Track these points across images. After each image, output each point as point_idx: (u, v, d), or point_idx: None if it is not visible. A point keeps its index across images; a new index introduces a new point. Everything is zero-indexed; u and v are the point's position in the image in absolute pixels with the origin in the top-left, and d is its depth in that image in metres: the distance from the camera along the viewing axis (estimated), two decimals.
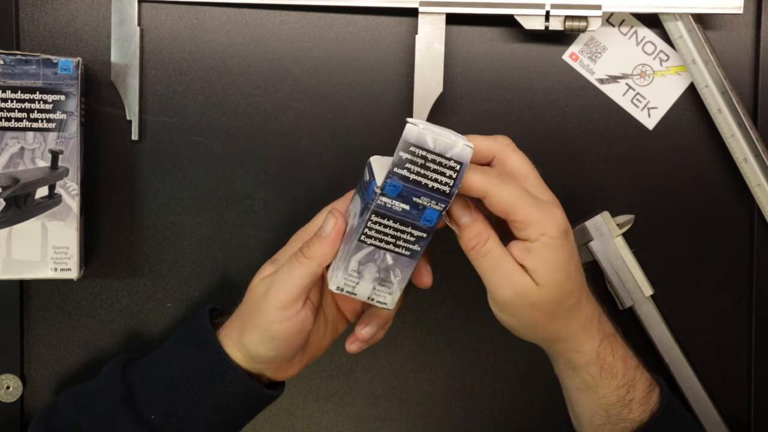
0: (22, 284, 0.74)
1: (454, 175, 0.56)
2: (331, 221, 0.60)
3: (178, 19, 0.73)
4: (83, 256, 0.71)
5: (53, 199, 0.68)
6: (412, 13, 0.71)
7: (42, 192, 0.68)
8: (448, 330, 0.77)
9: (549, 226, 0.58)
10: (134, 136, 0.73)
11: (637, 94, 0.75)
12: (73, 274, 0.69)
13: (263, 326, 0.61)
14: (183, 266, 0.75)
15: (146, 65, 0.73)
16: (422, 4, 0.71)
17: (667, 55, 0.74)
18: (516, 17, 0.71)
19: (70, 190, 0.69)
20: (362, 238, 0.58)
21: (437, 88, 0.71)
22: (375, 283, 0.59)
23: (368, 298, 0.60)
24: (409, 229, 0.58)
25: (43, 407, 0.69)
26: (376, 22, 0.74)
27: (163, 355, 0.66)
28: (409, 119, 0.56)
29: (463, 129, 0.73)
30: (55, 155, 0.68)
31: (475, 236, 0.58)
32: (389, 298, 0.60)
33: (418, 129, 0.55)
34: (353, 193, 0.62)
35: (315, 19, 0.74)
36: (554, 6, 0.70)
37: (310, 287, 0.61)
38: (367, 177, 0.59)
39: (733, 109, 0.72)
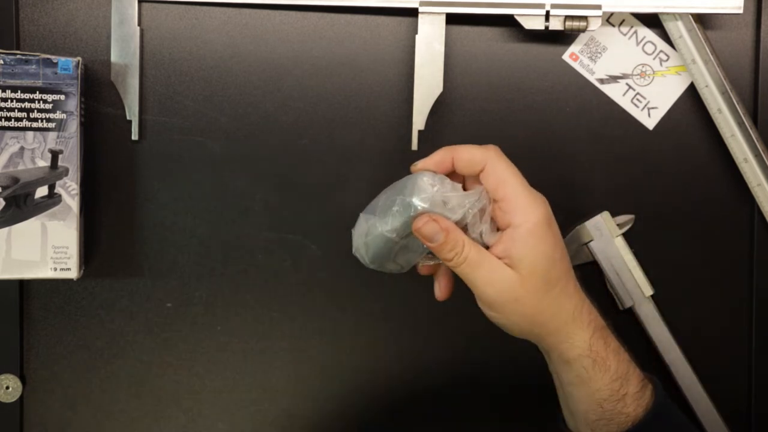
0: (22, 284, 0.74)
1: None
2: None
3: (178, 19, 0.73)
4: (83, 256, 0.71)
5: (53, 198, 0.68)
6: (412, 13, 0.71)
7: (42, 192, 0.68)
8: (448, 330, 0.76)
9: (534, 213, 0.60)
10: (134, 136, 0.73)
11: (637, 94, 0.75)
12: (73, 274, 0.69)
13: None
14: (183, 266, 0.75)
15: (146, 65, 0.73)
16: (422, 4, 0.71)
17: (667, 55, 0.74)
18: (516, 17, 0.71)
19: (70, 190, 0.69)
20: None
21: (437, 88, 0.71)
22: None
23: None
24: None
25: None
26: (376, 22, 0.74)
27: None
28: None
29: (463, 129, 0.74)
30: (55, 155, 0.68)
31: (451, 248, 0.60)
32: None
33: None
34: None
35: (315, 19, 0.74)
36: (554, 6, 0.70)
37: None
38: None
39: (733, 109, 0.72)
